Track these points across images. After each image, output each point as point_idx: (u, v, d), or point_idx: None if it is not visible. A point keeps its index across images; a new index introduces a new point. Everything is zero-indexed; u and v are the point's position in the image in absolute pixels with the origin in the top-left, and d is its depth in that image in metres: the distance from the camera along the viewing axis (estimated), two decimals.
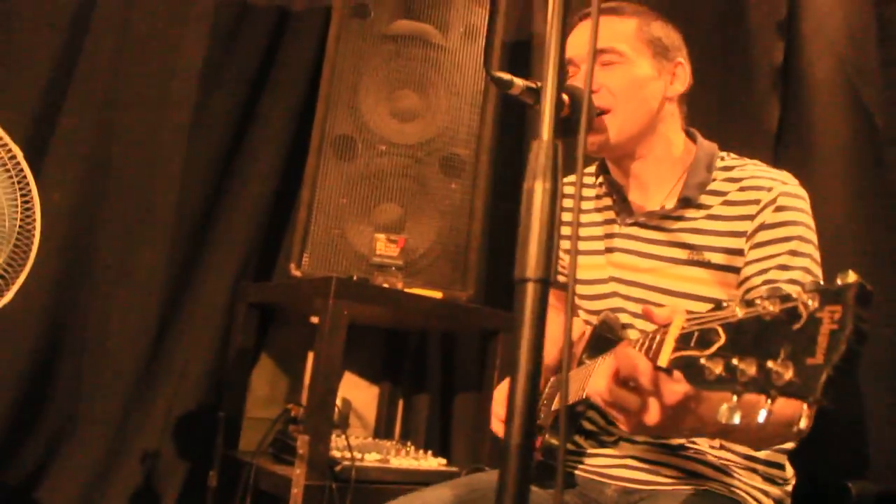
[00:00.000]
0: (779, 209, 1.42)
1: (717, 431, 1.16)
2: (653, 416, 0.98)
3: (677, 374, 0.88)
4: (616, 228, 1.62)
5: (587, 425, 1.61)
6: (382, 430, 2.95)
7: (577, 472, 1.57)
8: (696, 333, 0.81)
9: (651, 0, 1.73)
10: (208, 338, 2.67)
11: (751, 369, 0.70)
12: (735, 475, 1.47)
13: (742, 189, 1.48)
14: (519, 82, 1.24)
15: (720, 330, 0.77)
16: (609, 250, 1.62)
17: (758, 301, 0.74)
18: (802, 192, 1.47)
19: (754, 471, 1.49)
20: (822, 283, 1.34)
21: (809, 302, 0.68)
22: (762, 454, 1.49)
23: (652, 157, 1.57)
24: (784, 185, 1.45)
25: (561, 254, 1.78)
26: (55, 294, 2.46)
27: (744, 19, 2.27)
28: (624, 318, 1.58)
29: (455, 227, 2.51)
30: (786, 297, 0.71)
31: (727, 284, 1.46)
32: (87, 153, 2.54)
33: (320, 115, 2.47)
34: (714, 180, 1.52)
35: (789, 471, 1.55)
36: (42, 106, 2.47)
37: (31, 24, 2.45)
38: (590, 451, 1.58)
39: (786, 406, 0.71)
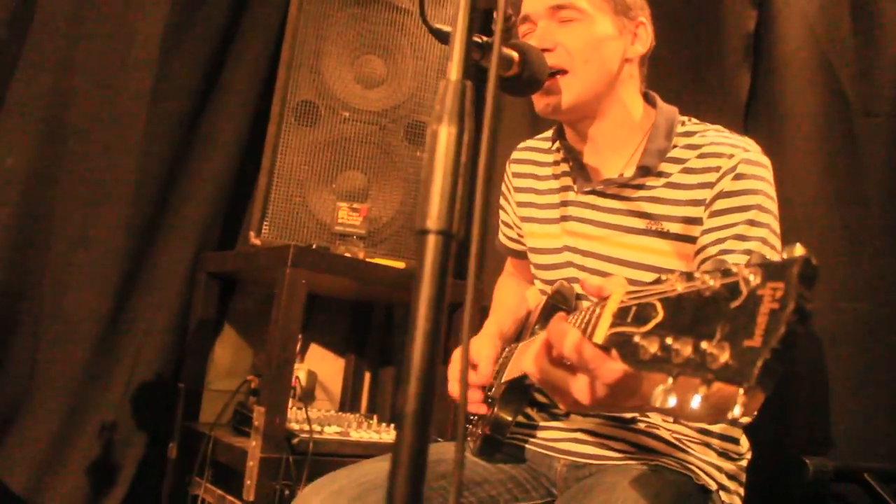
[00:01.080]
0: (738, 177, 1.37)
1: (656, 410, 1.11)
2: (588, 395, 0.91)
3: (615, 352, 0.83)
4: (572, 196, 1.56)
5: (539, 397, 1.56)
6: (348, 403, 2.91)
7: (526, 446, 1.53)
8: (634, 308, 0.75)
9: None
10: (169, 307, 2.61)
11: (686, 350, 0.65)
12: (688, 450, 1.43)
13: (702, 156, 1.42)
14: None
15: (659, 305, 0.71)
16: (564, 218, 1.57)
17: (697, 275, 0.68)
18: (764, 160, 1.41)
19: (708, 445, 1.45)
20: (768, 256, 1.31)
21: (751, 277, 0.62)
22: (717, 428, 1.45)
23: (609, 121, 1.51)
24: (745, 153, 1.39)
25: (520, 222, 1.72)
26: (10, 261, 2.39)
27: None
28: (579, 289, 1.52)
29: None
30: (727, 272, 0.65)
31: (685, 255, 1.41)
32: (42, 117, 2.46)
33: (282, 81, 2.40)
34: (674, 147, 1.46)
35: (744, 445, 1.51)
36: None
37: None
38: (541, 423, 1.53)
39: (722, 390, 0.65)
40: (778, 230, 1.39)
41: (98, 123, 2.54)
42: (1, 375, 2.40)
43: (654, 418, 1.44)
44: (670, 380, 0.67)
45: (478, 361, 1.48)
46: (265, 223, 2.37)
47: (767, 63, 2.10)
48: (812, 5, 2.03)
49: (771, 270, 0.61)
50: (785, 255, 0.62)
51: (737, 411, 0.61)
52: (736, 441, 1.49)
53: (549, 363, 0.94)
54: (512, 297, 1.80)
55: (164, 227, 2.65)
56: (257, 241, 2.35)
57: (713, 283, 0.66)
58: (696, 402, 0.64)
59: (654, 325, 0.71)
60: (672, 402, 0.67)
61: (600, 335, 0.82)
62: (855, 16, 1.94)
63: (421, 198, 0.66)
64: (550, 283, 1.59)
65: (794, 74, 2.04)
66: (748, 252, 1.32)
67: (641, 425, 1.44)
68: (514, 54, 1.30)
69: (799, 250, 0.61)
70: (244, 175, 2.73)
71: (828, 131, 1.97)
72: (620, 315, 0.78)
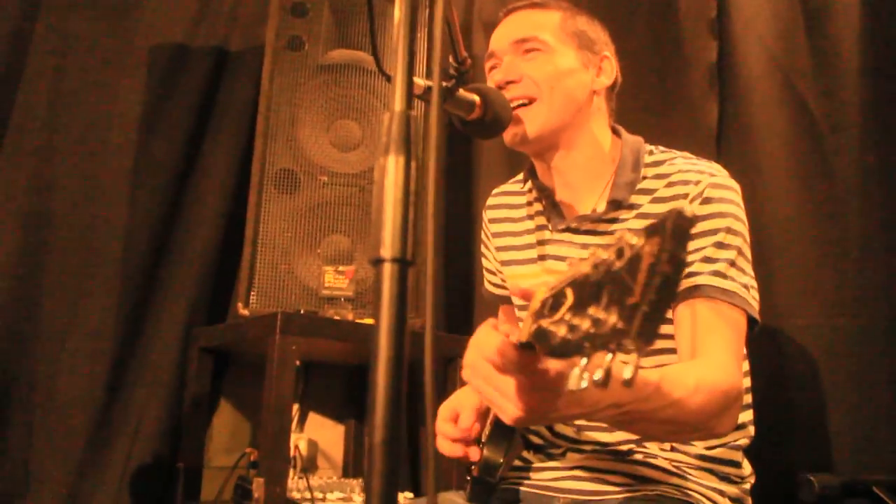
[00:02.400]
0: (706, 201, 1.38)
1: (612, 416, 1.07)
2: (526, 400, 0.90)
3: (538, 348, 0.82)
4: (547, 234, 1.57)
5: (534, 439, 1.54)
6: (351, 468, 2.87)
7: (522, 488, 1.50)
8: (550, 300, 0.76)
9: (583, 2, 1.72)
10: (163, 386, 2.59)
11: (584, 324, 0.65)
12: (688, 476, 1.40)
13: (670, 185, 1.43)
14: (419, 82, 1.19)
15: (568, 290, 0.71)
16: (542, 258, 1.57)
17: (594, 252, 0.69)
18: (732, 184, 1.43)
19: (709, 470, 1.43)
20: (735, 278, 1.30)
21: (633, 240, 0.62)
22: (716, 453, 1.43)
23: (579, 153, 1.52)
24: (712, 178, 1.40)
25: (501, 267, 1.72)
26: (0, 348, 2.39)
27: (676, 19, 2.27)
28: None
29: None
30: (617, 241, 0.66)
31: None
32: (26, 205, 2.49)
33: (259, 151, 2.43)
34: (644, 178, 1.47)
35: (747, 468, 1.49)
36: None
37: None
38: (537, 465, 1.51)
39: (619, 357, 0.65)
40: (748, 253, 1.39)
41: (81, 208, 2.58)
42: None
43: (651, 448, 1.42)
44: (583, 360, 0.67)
45: (460, 412, 1.46)
46: (252, 293, 2.37)
47: (733, 90, 2.14)
48: (769, 30, 2.08)
49: (650, 230, 0.62)
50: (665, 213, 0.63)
51: (626, 373, 0.61)
52: (737, 464, 1.47)
53: (485, 375, 0.93)
54: None
55: (153, 305, 2.65)
56: (246, 312, 2.35)
57: (605, 254, 0.66)
58: (597, 374, 0.64)
59: (565, 310, 0.71)
60: (584, 383, 0.66)
61: (524, 333, 0.81)
62: (810, 35, 1.98)
63: (373, 228, 0.67)
64: None
65: (760, 98, 2.07)
66: (716, 273, 1.33)
67: (639, 456, 1.42)
68: (476, 97, 1.32)
69: (676, 209, 0.62)
70: (229, 247, 2.74)
71: (798, 150, 1.99)
72: (540, 310, 0.78)
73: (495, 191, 1.77)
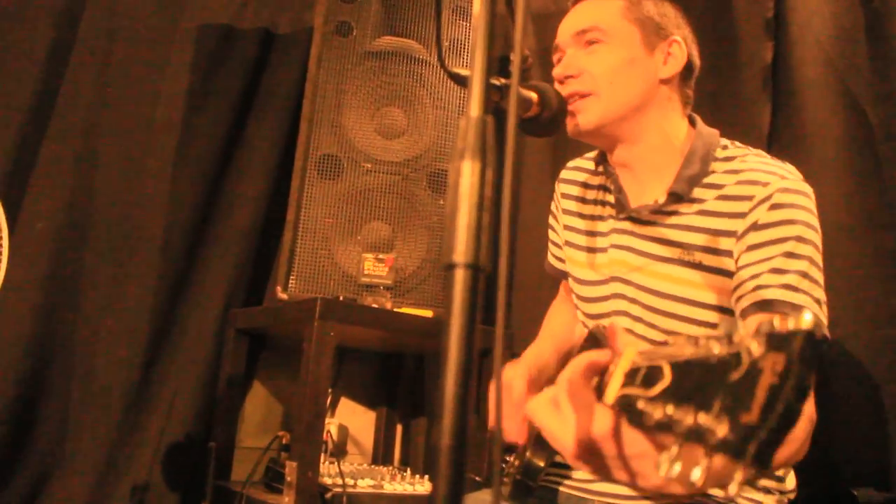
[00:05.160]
0: (774, 207, 1.31)
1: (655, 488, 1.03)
2: (589, 456, 0.84)
3: (624, 416, 0.78)
4: (612, 223, 1.53)
5: None
6: (380, 455, 2.88)
7: (560, 489, 1.49)
8: (643, 370, 0.73)
9: None
10: (198, 366, 2.62)
11: (687, 420, 0.62)
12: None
13: (740, 182, 1.36)
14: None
15: (667, 369, 0.69)
16: (605, 248, 1.53)
17: (703, 341, 0.66)
18: (805, 188, 1.35)
19: (749, 482, 1.40)
20: (807, 290, 1.24)
21: (753, 347, 0.59)
22: None
23: (645, 145, 1.47)
24: (783, 181, 1.33)
25: (563, 245, 1.68)
26: (40, 324, 2.43)
27: (732, 19, 2.23)
28: (624, 322, 1.47)
29: None
30: (731, 339, 0.62)
31: (719, 289, 1.35)
32: (70, 182, 2.52)
33: (303, 136, 2.43)
34: (713, 172, 1.41)
35: (790, 482, 1.45)
36: (24, 136, 2.45)
37: (10, 55, 2.44)
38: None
39: (722, 462, 0.62)
40: (820, 263, 1.33)
41: (124, 186, 2.60)
42: (32, 438, 2.41)
43: None
44: (675, 448, 0.65)
45: (511, 383, 1.42)
46: (291, 277, 2.37)
47: (787, 92, 2.10)
48: (827, 32, 2.03)
49: (774, 341, 0.58)
50: (791, 325, 0.60)
51: (732, 489, 0.58)
52: (780, 479, 1.43)
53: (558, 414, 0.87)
54: (560, 325, 1.75)
55: (192, 285, 2.68)
56: (284, 296, 2.36)
57: (718, 350, 0.63)
58: (695, 474, 0.61)
59: (661, 390, 0.68)
60: (676, 469, 0.64)
61: (610, 396, 0.79)
62: (871, 40, 1.94)
63: (447, 232, 0.66)
64: (593, 316, 1.55)
65: (814, 102, 2.03)
66: (786, 286, 1.26)
67: None
68: (534, 95, 1.31)
69: (805, 322, 0.58)
70: (270, 230, 2.76)
71: (852, 157, 1.95)
72: (631, 376, 0.76)
73: (570, 164, 1.72)
